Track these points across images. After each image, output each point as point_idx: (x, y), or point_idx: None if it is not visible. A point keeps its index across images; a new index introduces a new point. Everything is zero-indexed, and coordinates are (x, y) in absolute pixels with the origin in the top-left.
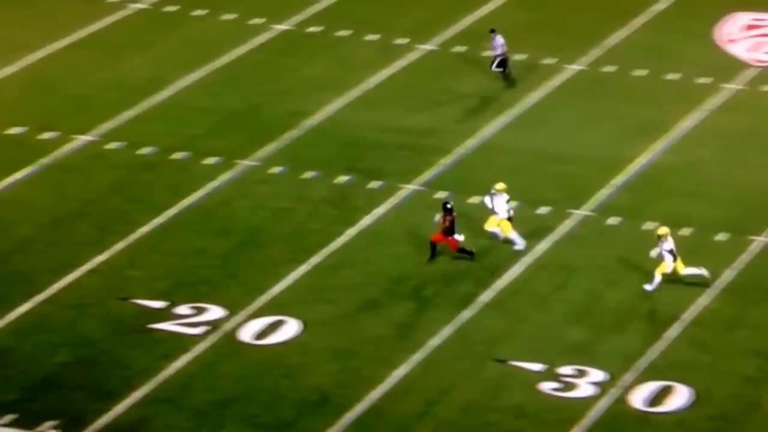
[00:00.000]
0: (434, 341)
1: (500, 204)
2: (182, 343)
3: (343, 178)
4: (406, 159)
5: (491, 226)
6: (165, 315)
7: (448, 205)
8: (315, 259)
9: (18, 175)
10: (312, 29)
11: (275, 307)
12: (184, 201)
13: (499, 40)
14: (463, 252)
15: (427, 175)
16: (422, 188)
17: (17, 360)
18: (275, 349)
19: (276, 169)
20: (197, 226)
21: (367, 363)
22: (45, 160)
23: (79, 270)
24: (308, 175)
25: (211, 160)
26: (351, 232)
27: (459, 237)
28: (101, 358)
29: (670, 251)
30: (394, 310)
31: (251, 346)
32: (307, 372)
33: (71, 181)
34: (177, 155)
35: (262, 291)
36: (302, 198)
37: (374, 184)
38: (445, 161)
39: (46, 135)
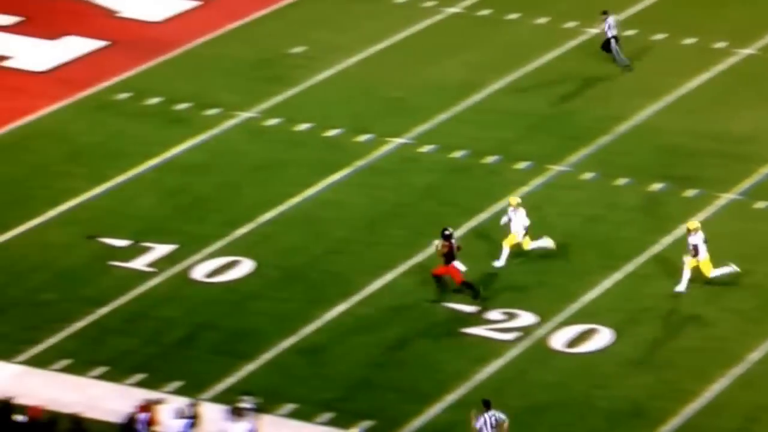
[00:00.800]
0: (754, 355)
1: (519, 220)
2: (494, 348)
3: (656, 186)
4: (723, 167)
5: (510, 243)
6: (477, 319)
7: (447, 232)
8: (628, 268)
9: (334, 176)
10: (626, 33)
11: (587, 314)
12: (495, 205)
13: (611, 21)
14: (468, 287)
15: (745, 183)
16: (740, 197)
17: (334, 359)
18: (587, 358)
19: (587, 175)
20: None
21: (683, 375)
22: (360, 162)
23: (393, 272)
24: (620, 181)
25: (522, 165)
26: (665, 241)
27: (460, 267)
28: (415, 360)
29: (695, 247)
30: (710, 322)
31: (563, 353)
32: (620, 382)
33: (385, 183)
34: (488, 159)
35: (573, 298)
36: (614, 205)
37: (689, 193)
38: (765, 170)
39: (362, 137)
